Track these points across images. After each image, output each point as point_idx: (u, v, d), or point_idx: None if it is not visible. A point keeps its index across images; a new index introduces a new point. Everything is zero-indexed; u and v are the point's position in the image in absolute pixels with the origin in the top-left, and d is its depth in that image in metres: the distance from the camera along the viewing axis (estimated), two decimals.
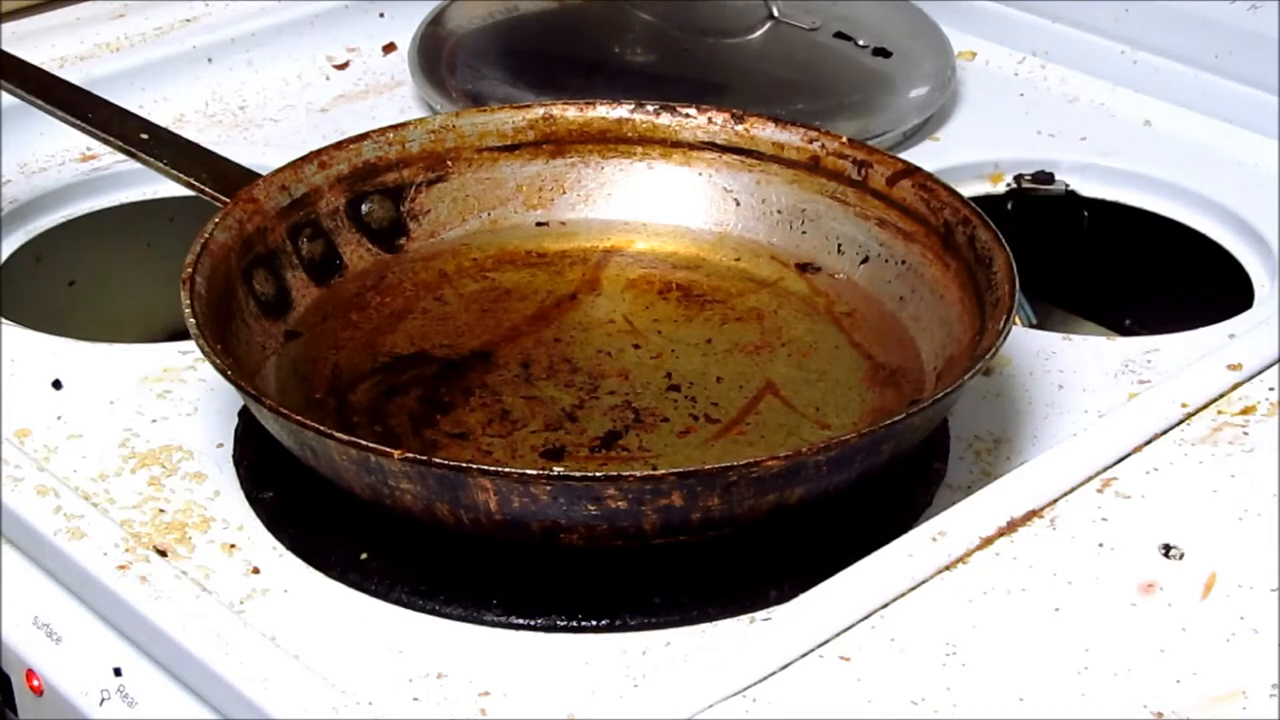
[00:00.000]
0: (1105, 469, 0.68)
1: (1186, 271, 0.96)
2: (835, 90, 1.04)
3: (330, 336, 0.79)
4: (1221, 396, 0.72)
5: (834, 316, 0.80)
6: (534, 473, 0.62)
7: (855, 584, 0.62)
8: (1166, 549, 0.64)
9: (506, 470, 0.63)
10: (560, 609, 0.66)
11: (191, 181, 0.80)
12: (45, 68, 0.89)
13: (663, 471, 0.63)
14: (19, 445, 0.75)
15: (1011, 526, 0.65)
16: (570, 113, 0.86)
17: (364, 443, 0.64)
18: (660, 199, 0.86)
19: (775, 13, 1.09)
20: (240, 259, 0.77)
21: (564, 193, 0.87)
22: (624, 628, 0.65)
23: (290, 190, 0.81)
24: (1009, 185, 0.99)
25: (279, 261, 0.79)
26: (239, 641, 0.62)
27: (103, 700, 0.65)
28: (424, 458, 0.63)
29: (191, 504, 0.72)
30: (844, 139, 0.83)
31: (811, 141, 0.84)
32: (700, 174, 0.86)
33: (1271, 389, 0.72)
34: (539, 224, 0.86)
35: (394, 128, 0.85)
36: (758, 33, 1.09)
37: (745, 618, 0.66)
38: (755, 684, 0.58)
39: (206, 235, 0.75)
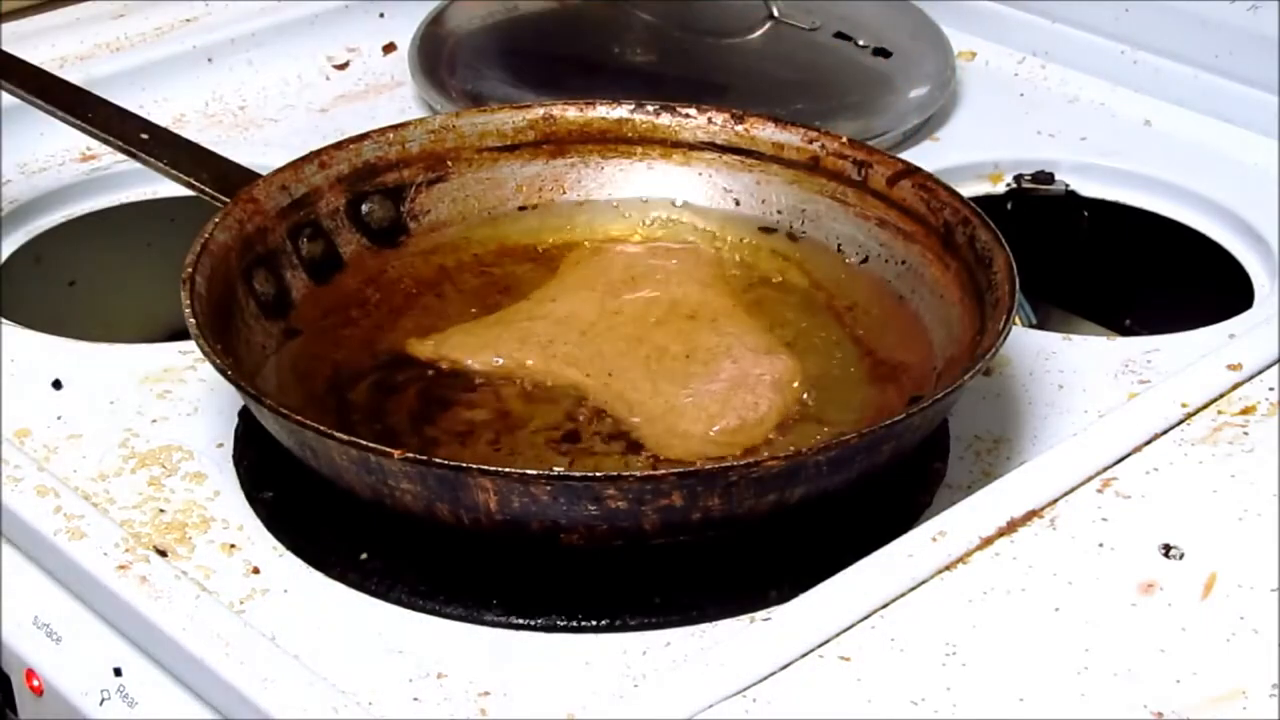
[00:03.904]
0: (1105, 469, 0.68)
1: (1186, 271, 0.96)
2: (835, 90, 1.04)
3: (330, 335, 0.79)
4: (1221, 396, 0.72)
5: (835, 315, 0.80)
6: (534, 473, 0.62)
7: (855, 584, 0.62)
8: (1166, 549, 0.64)
9: (506, 470, 0.63)
10: (560, 609, 0.66)
11: (191, 181, 0.80)
12: (45, 68, 0.89)
13: (663, 472, 0.63)
14: (19, 445, 0.75)
15: (1011, 526, 0.65)
16: (570, 113, 0.86)
17: (364, 443, 0.64)
18: (660, 199, 0.86)
19: (775, 13, 1.09)
20: (240, 259, 0.77)
21: (564, 192, 0.87)
22: (624, 628, 0.65)
23: (290, 190, 0.81)
24: (1009, 185, 0.99)
25: (279, 261, 0.79)
26: (239, 641, 0.62)
27: (103, 700, 0.65)
28: (424, 458, 0.63)
29: (191, 504, 0.72)
30: (844, 139, 0.83)
31: (811, 142, 0.84)
32: (700, 174, 0.86)
33: (1271, 389, 0.72)
34: (538, 224, 0.86)
35: (394, 128, 0.85)
36: (758, 33, 1.09)
37: (745, 618, 0.66)
38: (755, 684, 0.58)
39: (206, 235, 0.75)
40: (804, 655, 0.59)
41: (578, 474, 0.63)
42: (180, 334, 0.75)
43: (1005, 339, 0.70)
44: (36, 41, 1.07)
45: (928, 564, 0.63)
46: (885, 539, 0.64)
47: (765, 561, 0.68)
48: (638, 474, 0.63)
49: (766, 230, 0.85)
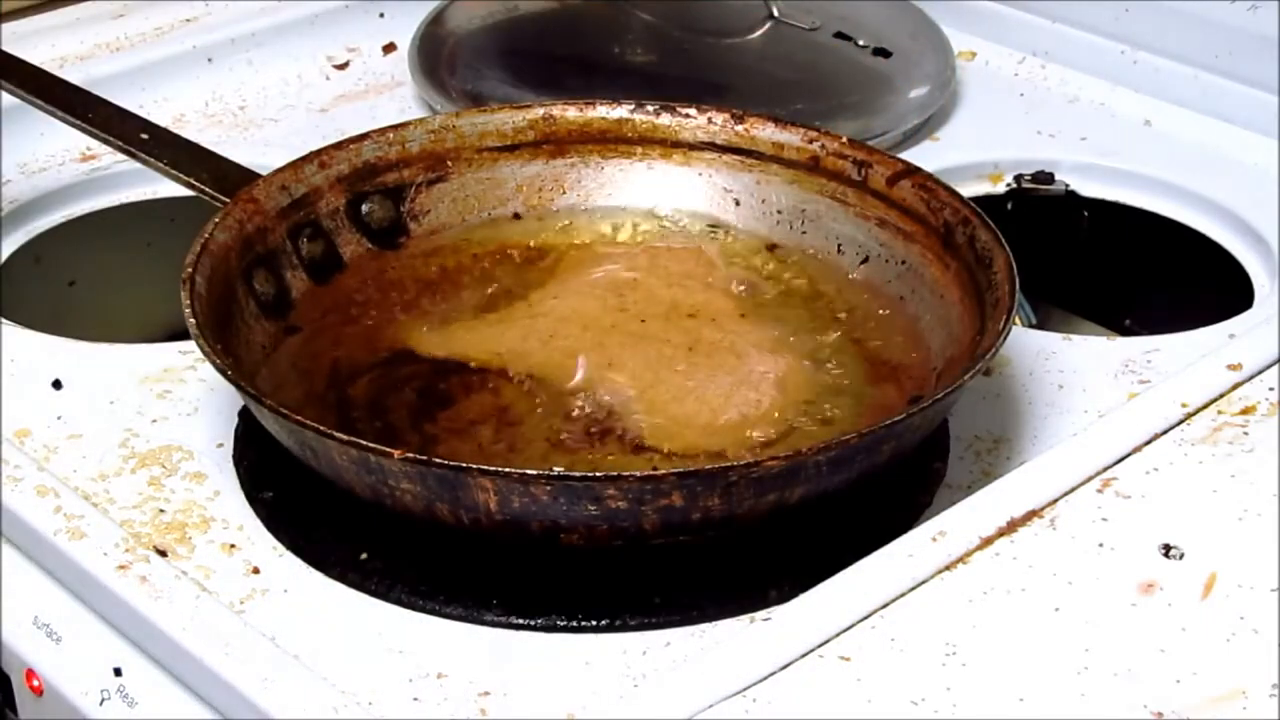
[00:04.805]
0: (1105, 469, 0.68)
1: (1186, 271, 0.96)
2: (835, 90, 1.04)
3: (330, 333, 0.79)
4: (1221, 396, 0.72)
5: (835, 315, 0.80)
6: (534, 473, 0.62)
7: (855, 584, 0.62)
8: (1166, 549, 0.64)
9: (507, 470, 0.63)
10: (560, 609, 0.66)
11: (191, 181, 0.80)
12: (45, 68, 0.89)
13: (663, 472, 0.63)
14: (19, 445, 0.75)
15: (1011, 526, 0.65)
16: (570, 113, 0.86)
17: (364, 443, 0.64)
18: (660, 199, 0.86)
19: (775, 13, 1.09)
20: (240, 259, 0.77)
21: (564, 193, 0.87)
22: (624, 628, 0.65)
23: (290, 190, 0.81)
24: (1009, 185, 0.99)
25: (279, 261, 0.79)
26: (239, 641, 0.62)
27: (103, 700, 0.65)
28: (424, 458, 0.63)
29: (191, 504, 0.72)
30: (844, 139, 0.83)
31: (811, 141, 0.84)
32: (700, 174, 0.86)
33: (1271, 389, 0.72)
34: (538, 223, 0.86)
35: (394, 128, 0.85)
36: (758, 33, 1.09)
37: (745, 618, 0.66)
38: (755, 684, 0.58)
39: (206, 235, 0.75)
40: (804, 655, 0.59)
41: (578, 474, 0.63)
42: (180, 334, 0.75)
43: (1005, 339, 0.70)
44: (36, 41, 1.07)
45: (928, 564, 0.63)
46: (885, 539, 0.64)
47: (765, 561, 0.68)
48: (638, 474, 0.63)
49: (766, 231, 0.85)
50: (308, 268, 0.81)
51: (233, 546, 0.70)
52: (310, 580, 0.68)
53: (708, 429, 0.73)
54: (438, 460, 0.63)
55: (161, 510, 0.71)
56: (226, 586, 0.67)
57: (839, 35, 1.08)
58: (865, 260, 0.82)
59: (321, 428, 0.64)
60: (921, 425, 0.68)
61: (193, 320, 0.70)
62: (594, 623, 0.66)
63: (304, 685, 0.60)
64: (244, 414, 0.76)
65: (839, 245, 0.83)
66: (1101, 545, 0.64)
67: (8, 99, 0.90)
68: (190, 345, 0.75)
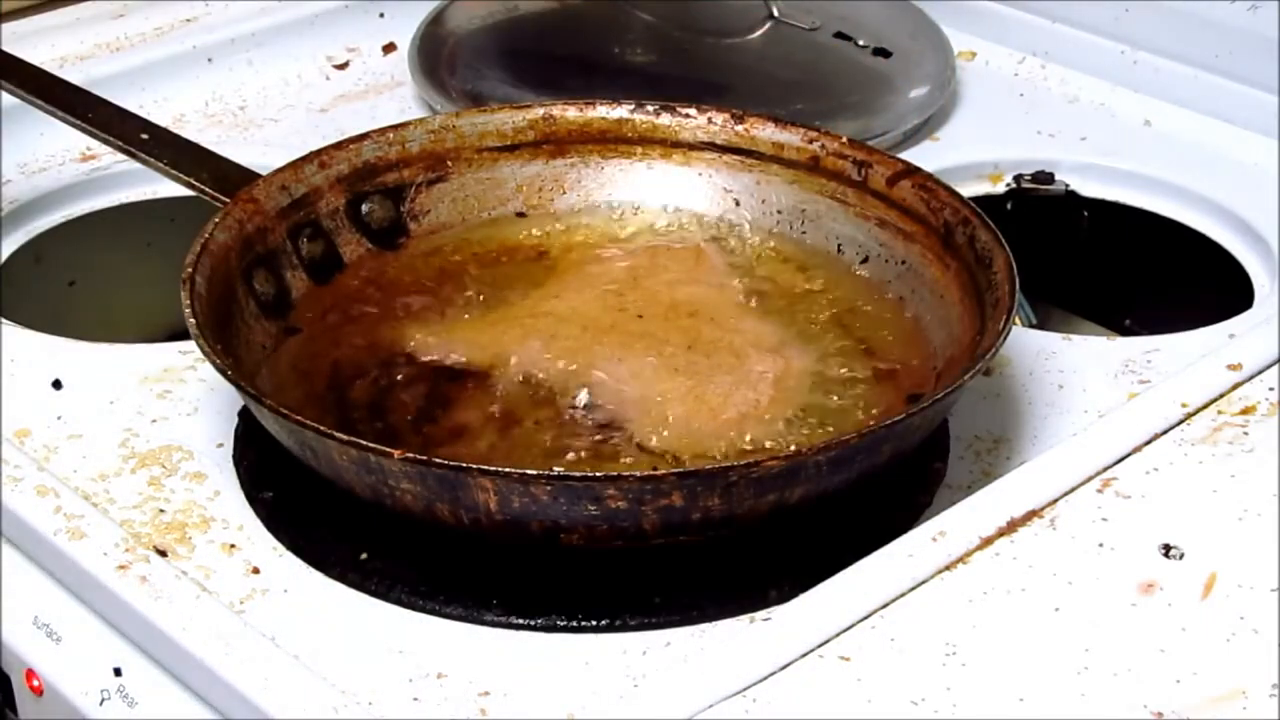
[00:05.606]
0: (1105, 469, 0.68)
1: (1186, 271, 0.96)
2: (835, 90, 1.04)
3: (330, 333, 0.79)
4: (1221, 396, 0.72)
5: (835, 315, 0.80)
6: (534, 473, 0.62)
7: (855, 584, 0.62)
8: (1166, 549, 0.64)
9: (507, 470, 0.63)
10: (560, 609, 0.66)
11: (191, 181, 0.80)
12: (45, 68, 0.89)
13: (663, 472, 0.63)
14: (19, 445, 0.75)
15: (1011, 526, 0.65)
16: (570, 113, 0.86)
17: (364, 443, 0.64)
18: (660, 199, 0.86)
19: (775, 13, 1.09)
20: (240, 259, 0.77)
21: (564, 193, 0.87)
22: (624, 628, 0.65)
23: (290, 190, 0.81)
24: (1009, 185, 0.99)
25: (279, 261, 0.79)
26: (239, 641, 0.62)
27: (103, 700, 0.66)
28: (424, 458, 0.63)
29: (191, 504, 0.72)
30: (844, 139, 0.83)
31: (811, 142, 0.84)
32: (700, 174, 0.86)
33: (1271, 389, 0.72)
34: (538, 223, 0.86)
35: (394, 128, 0.85)
36: (758, 33, 1.09)
37: (745, 618, 0.66)
38: (755, 684, 0.58)
39: (206, 235, 0.75)
40: (804, 655, 0.59)
41: (578, 474, 0.63)
42: (180, 334, 0.75)
43: (1005, 339, 0.70)
44: (36, 41, 1.07)
45: (928, 564, 0.63)
46: (885, 539, 0.64)
47: (765, 561, 0.68)
48: (638, 474, 0.63)
49: (766, 231, 0.85)
50: (308, 268, 0.81)
51: (233, 546, 0.70)
52: (310, 580, 0.68)
53: (707, 428, 0.73)
54: (438, 460, 0.63)
55: (161, 510, 0.71)
56: (226, 586, 0.67)
57: (839, 35, 1.08)
58: (865, 260, 0.82)
59: (321, 428, 0.64)
60: (921, 425, 0.68)
61: (193, 320, 0.70)
62: (594, 623, 0.66)
63: (304, 685, 0.60)
64: (244, 414, 0.76)
65: (839, 245, 0.83)
66: (1101, 545, 0.64)
67: (8, 99, 0.90)
68: (190, 345, 0.75)
